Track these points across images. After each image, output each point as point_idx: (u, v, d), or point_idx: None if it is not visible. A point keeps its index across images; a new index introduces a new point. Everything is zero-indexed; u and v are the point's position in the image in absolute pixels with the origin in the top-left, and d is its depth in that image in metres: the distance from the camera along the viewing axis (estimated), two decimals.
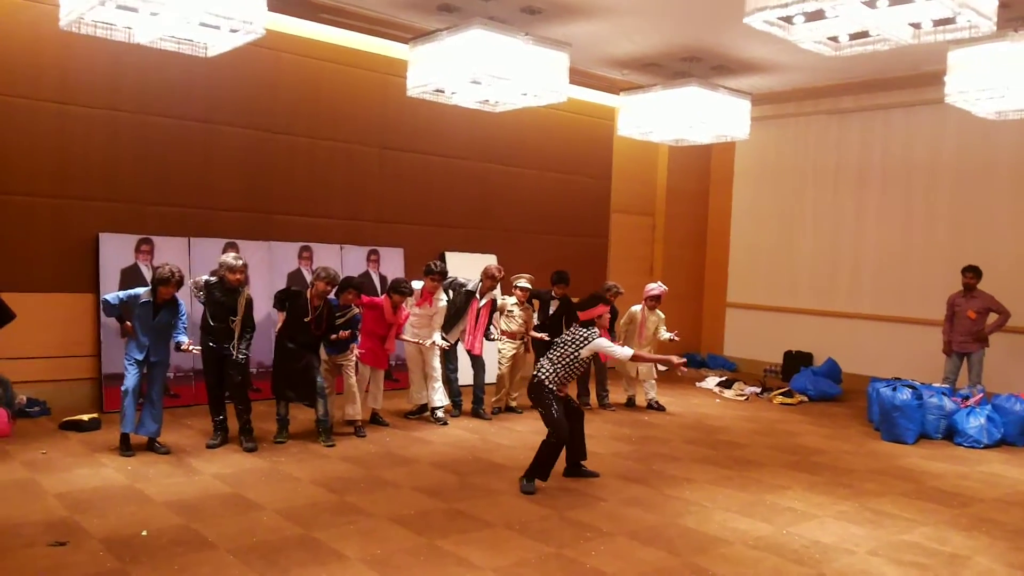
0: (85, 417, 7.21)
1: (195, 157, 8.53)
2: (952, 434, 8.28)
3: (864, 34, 6.20)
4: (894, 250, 11.34)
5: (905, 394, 8.25)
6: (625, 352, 6.25)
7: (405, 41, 8.28)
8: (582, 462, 6.46)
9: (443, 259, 10.11)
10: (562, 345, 6.17)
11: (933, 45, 6.42)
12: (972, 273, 9.29)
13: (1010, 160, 10.27)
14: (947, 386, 9.00)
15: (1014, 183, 10.26)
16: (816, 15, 5.86)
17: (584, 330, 6.16)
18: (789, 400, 10.29)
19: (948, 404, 8.36)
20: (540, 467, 6.04)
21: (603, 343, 6.14)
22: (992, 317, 9.25)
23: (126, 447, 6.50)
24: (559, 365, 6.10)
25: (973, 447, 8.03)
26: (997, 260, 9.95)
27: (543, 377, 6.10)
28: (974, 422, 8.14)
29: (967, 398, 8.54)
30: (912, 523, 5.65)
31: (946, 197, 10.86)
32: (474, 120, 10.06)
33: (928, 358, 10.16)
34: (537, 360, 8.85)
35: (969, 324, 9.25)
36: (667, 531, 5.27)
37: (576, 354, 6.10)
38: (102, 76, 7.94)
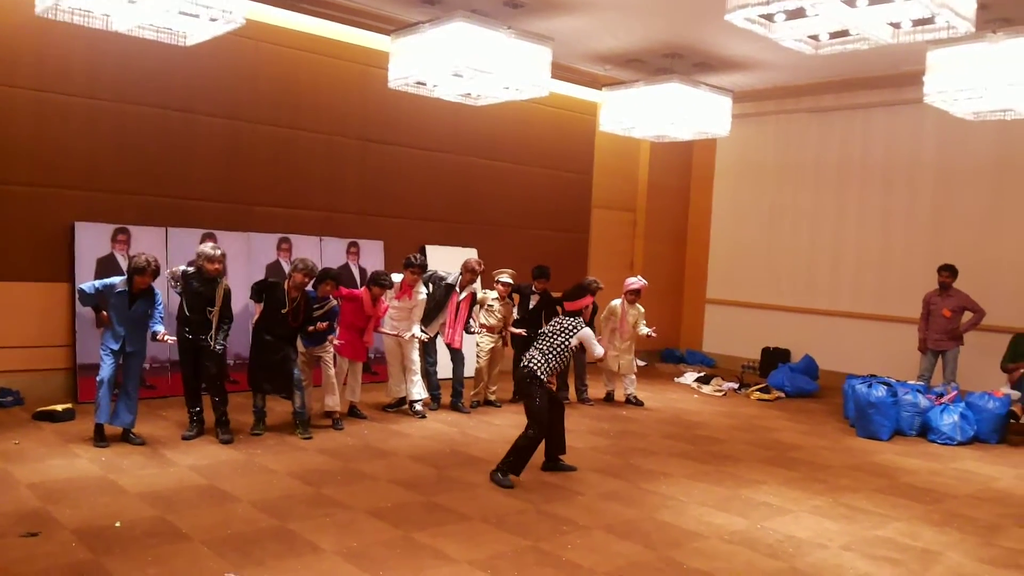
0: (59, 407, 7.13)
1: (173, 147, 8.45)
2: (926, 431, 8.36)
3: (844, 33, 6.24)
4: (872, 248, 11.44)
5: (880, 391, 8.33)
6: (601, 351, 6.41)
7: (387, 33, 8.24)
8: (560, 456, 6.48)
9: (423, 252, 10.09)
10: (551, 335, 6.20)
11: (913, 45, 6.48)
12: (948, 272, 9.38)
13: (987, 161, 10.37)
14: (922, 383, 9.09)
15: (991, 183, 10.37)
16: (797, 13, 5.90)
17: (571, 319, 6.26)
18: (766, 396, 10.35)
19: (923, 401, 8.44)
20: (516, 461, 6.04)
21: (588, 334, 6.24)
22: (967, 316, 9.35)
23: (100, 438, 6.43)
24: (550, 355, 6.13)
25: (947, 444, 8.11)
26: (973, 259, 10.06)
27: (535, 367, 6.10)
28: (948, 419, 8.23)
29: (941, 395, 8.63)
30: (885, 518, 5.70)
31: (924, 196, 10.96)
32: (456, 113, 10.04)
33: (904, 356, 10.27)
34: (516, 354, 8.93)
35: (944, 322, 9.35)
36: (643, 525, 5.30)
37: (566, 343, 6.17)
38: (80, 64, 7.84)
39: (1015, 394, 8.51)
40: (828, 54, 6.64)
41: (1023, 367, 8.63)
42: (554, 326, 6.27)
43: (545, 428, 6.12)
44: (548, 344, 6.17)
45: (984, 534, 5.48)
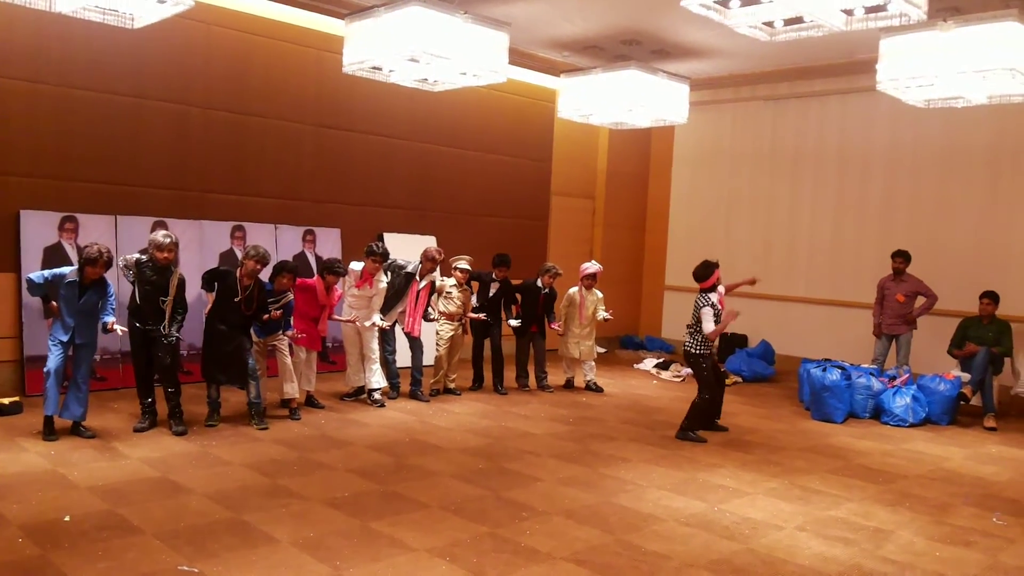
0: (5, 401, 6.94)
1: (122, 132, 8.25)
2: (879, 413, 8.51)
3: (799, 20, 6.29)
4: (827, 234, 11.60)
5: (834, 375, 8.45)
6: (711, 327, 7.11)
7: (341, 16, 8.10)
8: (716, 420, 7.69)
9: (382, 240, 9.99)
10: (693, 317, 7.24)
11: (866, 33, 6.55)
12: (901, 258, 9.54)
13: (937, 148, 10.54)
14: (875, 367, 9.24)
15: (941, 171, 10.55)
16: (752, 0, 5.92)
17: (700, 296, 7.21)
18: (724, 381, 10.43)
19: (876, 384, 8.59)
20: (696, 420, 7.32)
21: (705, 313, 7.11)
22: (920, 300, 9.51)
23: (49, 431, 6.27)
24: (694, 330, 7.21)
25: (899, 426, 8.27)
26: (924, 245, 10.24)
27: (688, 348, 7.32)
28: (900, 402, 8.38)
29: (894, 378, 8.79)
30: (839, 499, 5.79)
31: (878, 183, 11.12)
32: (413, 100, 9.95)
33: (858, 340, 10.43)
34: (476, 341, 8.95)
35: (898, 307, 9.51)
36: (602, 509, 5.31)
37: (699, 317, 7.15)
38: (21, 46, 7.60)
39: (965, 376, 8.69)
40: (783, 41, 6.70)
41: (970, 350, 8.80)
42: (694, 305, 7.22)
43: (712, 391, 7.34)
44: (693, 326, 7.20)
45: (935, 513, 5.59)
